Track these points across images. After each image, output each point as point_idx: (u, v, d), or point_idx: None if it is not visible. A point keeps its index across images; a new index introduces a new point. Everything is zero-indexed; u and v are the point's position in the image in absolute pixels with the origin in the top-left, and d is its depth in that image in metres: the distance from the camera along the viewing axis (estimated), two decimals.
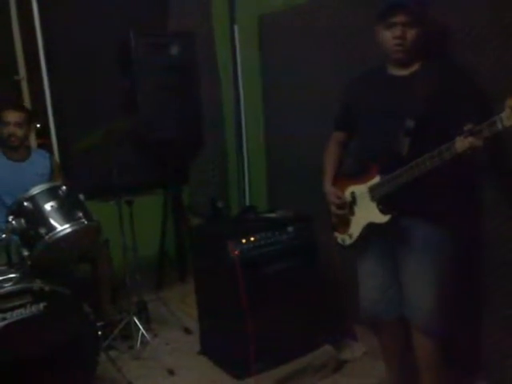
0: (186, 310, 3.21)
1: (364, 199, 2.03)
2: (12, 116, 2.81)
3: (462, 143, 1.65)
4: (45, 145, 3.46)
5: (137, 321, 2.84)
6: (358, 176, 2.06)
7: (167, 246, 3.80)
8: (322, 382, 2.47)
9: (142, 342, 2.81)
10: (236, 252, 2.41)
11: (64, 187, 2.43)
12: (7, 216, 2.34)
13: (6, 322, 2.08)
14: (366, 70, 2.17)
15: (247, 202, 3.79)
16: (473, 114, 1.79)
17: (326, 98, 2.31)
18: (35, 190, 2.38)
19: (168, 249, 3.81)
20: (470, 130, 1.63)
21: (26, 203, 2.34)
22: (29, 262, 2.29)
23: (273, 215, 2.78)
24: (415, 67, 1.96)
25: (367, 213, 2.02)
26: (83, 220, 2.39)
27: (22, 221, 2.31)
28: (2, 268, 2.27)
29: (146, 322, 3.04)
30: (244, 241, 2.46)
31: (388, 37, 1.92)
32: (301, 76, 2.99)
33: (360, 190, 2.05)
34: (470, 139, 1.63)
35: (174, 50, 3.56)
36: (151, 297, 3.28)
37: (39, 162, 2.97)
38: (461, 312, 2.17)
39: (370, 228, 2.03)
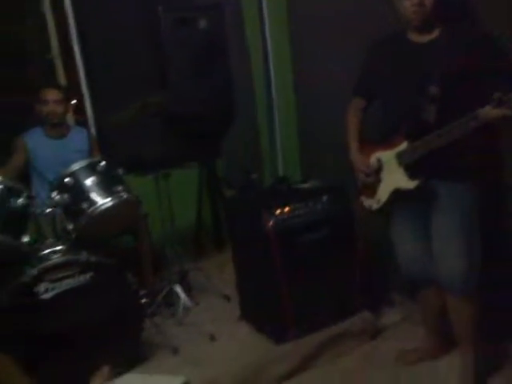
0: (224, 277, 3.29)
1: (391, 165, 2.04)
2: (50, 94, 2.87)
3: (490, 112, 1.64)
4: (81, 121, 3.54)
5: (178, 289, 2.93)
6: (384, 142, 2.06)
7: (203, 217, 3.87)
8: (360, 347, 2.50)
9: (184, 309, 2.89)
10: (270, 222, 2.43)
11: (103, 162, 2.50)
12: (50, 191, 2.44)
13: (56, 292, 2.19)
14: (386, 35, 2.12)
15: (280, 173, 3.80)
16: (499, 81, 1.77)
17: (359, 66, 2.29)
18: (75, 166, 2.46)
19: (204, 220, 3.88)
20: (499, 99, 1.60)
21: (67, 179, 2.42)
22: (74, 235, 2.40)
23: (306, 185, 2.79)
24: (435, 33, 1.93)
25: (394, 179, 2.03)
26: (123, 194, 2.47)
27: (66, 196, 2.40)
28: (49, 241, 2.37)
29: (187, 290, 3.11)
30: (278, 211, 2.47)
31: (406, 4, 1.89)
32: (331, 46, 2.95)
33: (387, 156, 2.05)
34: (499, 109, 1.61)
35: (203, 24, 3.56)
36: (189, 266, 3.34)
37: (78, 138, 3.03)
38: (491, 280, 2.14)
39: (398, 193, 2.03)
